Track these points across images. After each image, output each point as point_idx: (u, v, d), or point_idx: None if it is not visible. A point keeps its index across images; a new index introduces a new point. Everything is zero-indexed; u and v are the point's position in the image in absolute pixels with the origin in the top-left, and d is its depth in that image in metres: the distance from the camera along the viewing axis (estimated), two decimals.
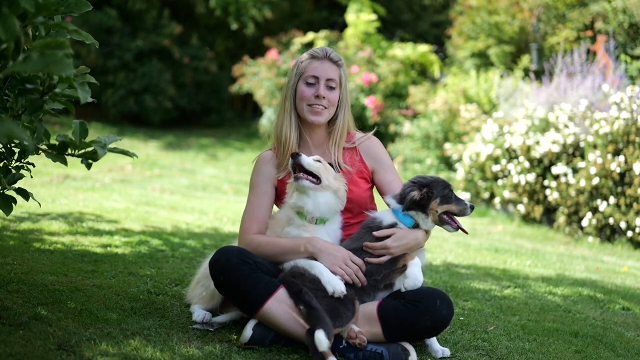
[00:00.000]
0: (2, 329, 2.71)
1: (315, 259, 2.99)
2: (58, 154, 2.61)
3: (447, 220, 3.09)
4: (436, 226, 3.14)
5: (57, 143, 2.59)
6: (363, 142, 3.40)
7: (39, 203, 3.18)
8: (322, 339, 2.64)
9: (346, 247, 3.10)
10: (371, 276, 3.02)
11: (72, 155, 2.62)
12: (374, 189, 3.44)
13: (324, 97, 3.23)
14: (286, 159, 3.24)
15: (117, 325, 2.97)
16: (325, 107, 3.26)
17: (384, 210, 3.23)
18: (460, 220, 3.16)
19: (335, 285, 2.85)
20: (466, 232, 3.15)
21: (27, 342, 2.60)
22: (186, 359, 2.67)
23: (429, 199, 3.05)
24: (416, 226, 3.10)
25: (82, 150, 2.59)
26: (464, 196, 9.92)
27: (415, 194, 3.04)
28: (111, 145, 2.61)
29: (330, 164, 3.26)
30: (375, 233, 3.06)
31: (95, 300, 3.31)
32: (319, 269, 2.92)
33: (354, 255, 3.02)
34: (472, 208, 3.11)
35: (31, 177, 2.97)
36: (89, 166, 2.64)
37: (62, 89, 2.46)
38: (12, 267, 3.77)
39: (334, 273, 2.93)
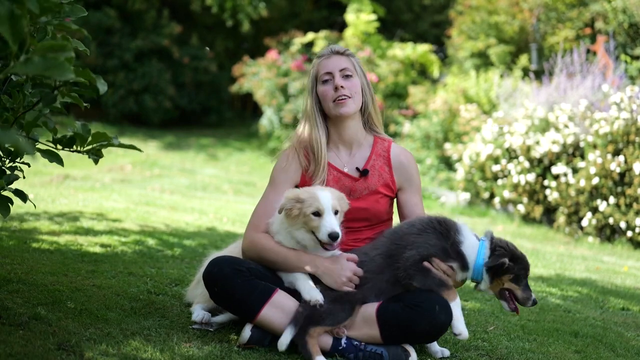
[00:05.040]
0: (2, 329, 2.71)
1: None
2: (63, 149, 2.60)
3: (507, 298, 3.04)
4: None
5: (63, 138, 2.59)
6: (398, 155, 3.32)
7: (34, 205, 3.18)
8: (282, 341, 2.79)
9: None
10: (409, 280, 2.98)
11: (79, 151, 2.62)
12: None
13: (342, 87, 3.19)
14: (319, 166, 3.22)
15: (117, 325, 2.96)
16: (349, 96, 3.21)
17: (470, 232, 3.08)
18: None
19: (312, 296, 2.88)
20: (517, 313, 3.11)
21: (27, 342, 2.59)
22: (186, 359, 2.67)
23: (506, 270, 3.00)
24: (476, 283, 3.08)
25: (89, 147, 2.59)
26: (463, 196, 9.93)
27: (506, 262, 2.98)
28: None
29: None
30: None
31: (95, 300, 3.31)
32: (299, 283, 2.96)
33: (357, 268, 2.99)
34: (534, 302, 3.03)
35: (24, 177, 2.94)
36: (96, 161, 2.64)
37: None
38: (12, 267, 3.76)
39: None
